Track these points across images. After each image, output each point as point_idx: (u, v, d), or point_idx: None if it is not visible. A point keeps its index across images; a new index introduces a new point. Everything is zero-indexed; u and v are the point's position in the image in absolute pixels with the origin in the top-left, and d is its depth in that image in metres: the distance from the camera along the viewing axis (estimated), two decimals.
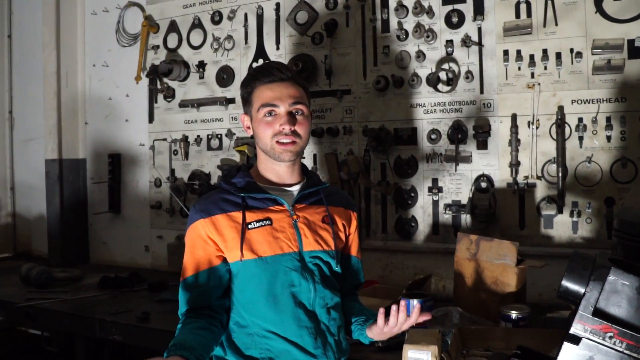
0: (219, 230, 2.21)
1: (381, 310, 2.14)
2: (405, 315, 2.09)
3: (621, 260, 1.84)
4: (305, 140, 2.31)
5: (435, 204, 3.90)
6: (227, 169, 4.27)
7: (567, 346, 1.71)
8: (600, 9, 3.45)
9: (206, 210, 2.25)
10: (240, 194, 2.26)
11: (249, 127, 2.37)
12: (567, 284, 1.77)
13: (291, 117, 2.24)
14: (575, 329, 1.70)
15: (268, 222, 2.24)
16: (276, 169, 2.33)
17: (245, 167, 2.41)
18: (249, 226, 2.22)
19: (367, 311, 2.40)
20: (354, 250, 2.49)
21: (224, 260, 2.22)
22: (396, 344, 2.66)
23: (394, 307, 2.10)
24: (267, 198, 2.28)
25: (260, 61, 4.44)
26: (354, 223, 2.49)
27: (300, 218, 2.30)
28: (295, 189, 2.36)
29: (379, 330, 2.17)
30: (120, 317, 3.57)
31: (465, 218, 3.79)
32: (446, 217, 3.87)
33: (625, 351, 1.65)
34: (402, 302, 2.11)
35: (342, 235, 2.41)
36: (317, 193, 2.39)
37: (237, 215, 2.23)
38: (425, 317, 2.13)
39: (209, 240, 2.21)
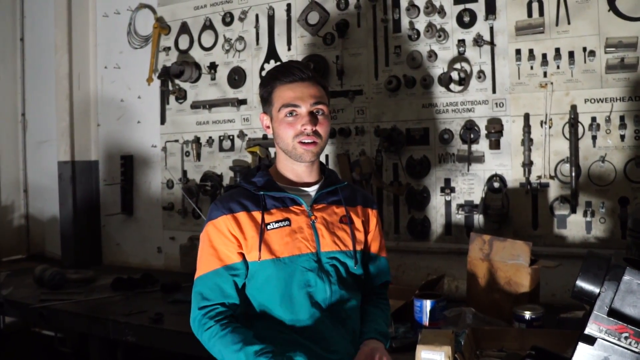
0: (241, 227, 2.24)
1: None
2: None
3: (636, 260, 1.84)
4: (326, 140, 2.34)
5: (448, 204, 3.89)
6: (239, 169, 4.28)
7: (581, 346, 1.71)
8: (613, 7, 3.42)
9: (228, 207, 2.27)
10: (259, 192, 2.29)
11: (268, 127, 2.39)
12: (581, 284, 1.76)
13: (313, 117, 2.26)
14: (590, 329, 1.70)
15: (287, 222, 2.27)
16: (295, 168, 2.35)
17: (265, 166, 2.44)
18: (268, 227, 2.24)
19: (371, 325, 2.40)
20: (374, 248, 2.49)
21: (244, 257, 2.24)
22: (410, 344, 2.67)
23: None
24: (286, 197, 2.30)
25: (272, 62, 4.44)
26: (374, 221, 2.49)
27: (318, 218, 2.31)
28: (314, 188, 2.38)
29: None
30: (134, 318, 3.57)
31: (478, 218, 3.78)
32: (459, 217, 3.85)
33: None
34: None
35: (361, 235, 2.42)
36: (335, 192, 2.41)
37: (257, 214, 2.26)
38: None
39: (230, 236, 2.23)
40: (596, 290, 1.73)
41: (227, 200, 2.30)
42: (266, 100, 2.36)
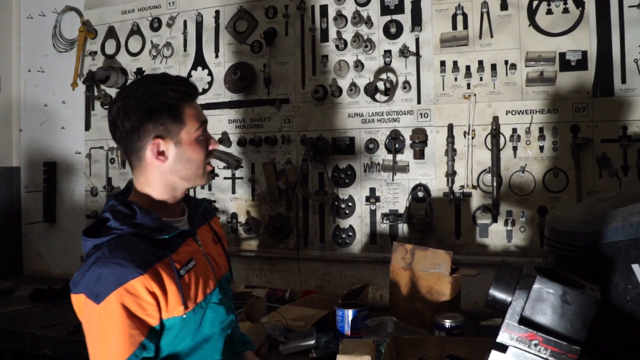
0: (163, 283, 1.87)
1: None
2: None
3: (547, 268, 1.88)
4: None
5: (373, 213, 3.91)
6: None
7: (494, 354, 1.74)
8: (533, 23, 3.53)
9: (142, 262, 1.83)
10: (163, 236, 1.94)
11: (162, 153, 1.98)
12: (494, 292, 1.80)
13: None
14: (502, 337, 1.73)
15: (193, 262, 2.01)
16: (177, 197, 2.08)
17: (136, 204, 1.99)
18: (181, 272, 1.94)
19: (242, 334, 2.42)
20: None
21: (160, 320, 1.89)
22: (331, 354, 2.66)
23: None
24: (179, 233, 2.02)
25: (199, 69, 4.39)
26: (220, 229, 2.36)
27: (204, 245, 2.14)
28: (185, 216, 2.16)
29: None
30: (51, 331, 3.47)
31: (402, 227, 3.81)
32: (383, 226, 3.88)
33: (549, 358, 1.68)
34: None
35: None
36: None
37: (168, 262, 1.91)
38: None
39: (151, 299, 1.83)
40: (508, 298, 1.77)
41: (131, 252, 1.83)
42: (172, 119, 1.96)
